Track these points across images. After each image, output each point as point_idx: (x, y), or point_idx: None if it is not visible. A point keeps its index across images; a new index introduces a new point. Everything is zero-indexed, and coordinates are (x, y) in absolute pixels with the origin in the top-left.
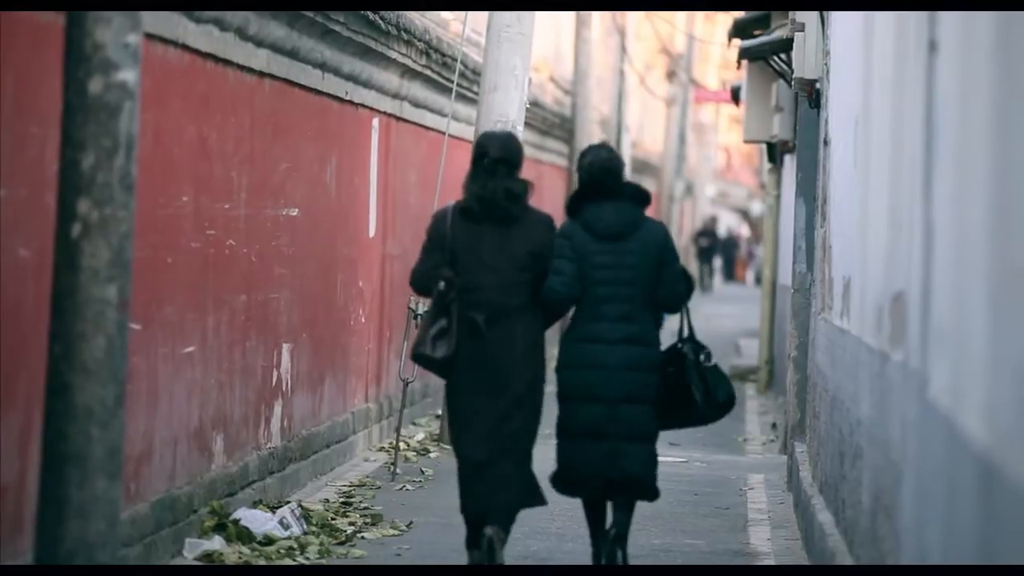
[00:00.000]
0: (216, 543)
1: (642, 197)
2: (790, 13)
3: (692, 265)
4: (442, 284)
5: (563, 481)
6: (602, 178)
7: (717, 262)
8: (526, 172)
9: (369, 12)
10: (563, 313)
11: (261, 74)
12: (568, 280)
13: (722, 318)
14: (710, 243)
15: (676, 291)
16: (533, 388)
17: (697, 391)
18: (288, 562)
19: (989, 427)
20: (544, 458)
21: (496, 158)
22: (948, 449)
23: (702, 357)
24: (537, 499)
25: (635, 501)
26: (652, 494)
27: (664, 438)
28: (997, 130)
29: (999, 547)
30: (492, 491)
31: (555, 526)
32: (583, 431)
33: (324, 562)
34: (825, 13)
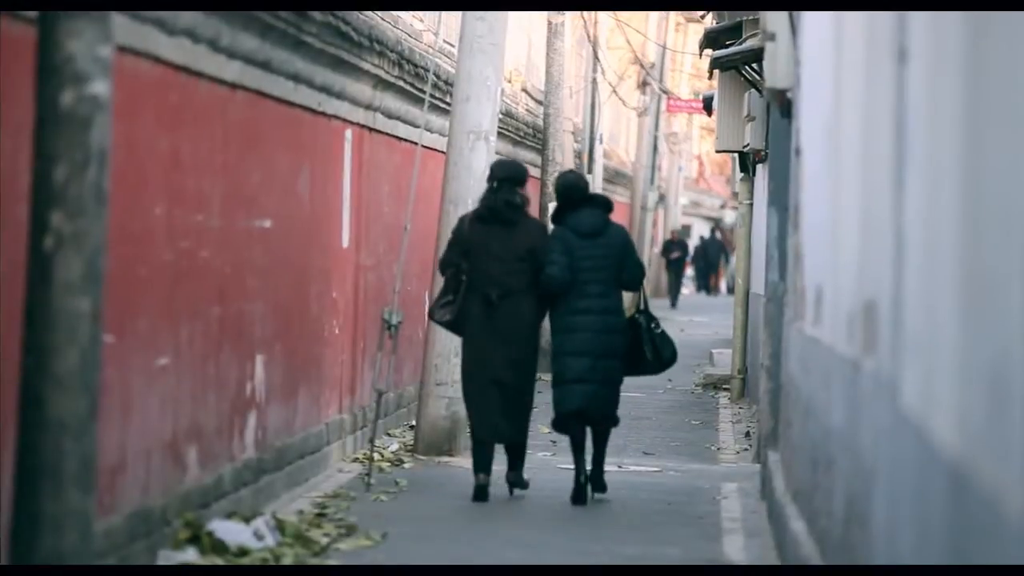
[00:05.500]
0: (190, 555)
1: (608, 205)
2: (760, 19)
3: (662, 277)
4: (455, 269)
5: (559, 422)
6: (571, 193)
7: (688, 271)
8: None
9: (341, 23)
10: (559, 294)
11: (233, 86)
12: (563, 268)
13: (695, 327)
14: (680, 254)
15: (635, 275)
16: (534, 349)
17: (648, 350)
18: None
19: (960, 435)
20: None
21: (502, 178)
22: (919, 457)
23: (652, 325)
24: (525, 434)
25: (608, 432)
26: (614, 421)
27: (638, 448)
28: (967, 138)
29: (970, 554)
30: (499, 418)
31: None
32: (573, 378)
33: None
34: (796, 22)
